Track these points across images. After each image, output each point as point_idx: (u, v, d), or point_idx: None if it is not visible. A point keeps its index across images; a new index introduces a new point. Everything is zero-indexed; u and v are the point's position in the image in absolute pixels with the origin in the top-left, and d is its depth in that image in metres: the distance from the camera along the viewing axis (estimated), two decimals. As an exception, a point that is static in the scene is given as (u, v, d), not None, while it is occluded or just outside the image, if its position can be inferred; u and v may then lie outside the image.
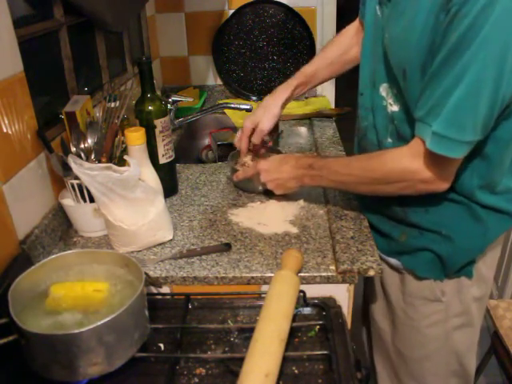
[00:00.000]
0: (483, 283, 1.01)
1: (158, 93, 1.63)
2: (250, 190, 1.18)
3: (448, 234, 0.93)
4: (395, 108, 0.90)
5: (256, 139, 1.14)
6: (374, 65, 0.94)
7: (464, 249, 0.94)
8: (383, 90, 0.92)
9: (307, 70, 1.18)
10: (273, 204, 1.13)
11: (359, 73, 1.01)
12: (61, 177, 0.99)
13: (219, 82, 2.04)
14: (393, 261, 1.04)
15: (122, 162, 1.02)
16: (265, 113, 1.13)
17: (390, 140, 0.93)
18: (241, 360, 0.68)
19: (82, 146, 1.03)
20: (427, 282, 0.99)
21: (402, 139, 0.90)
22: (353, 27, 1.16)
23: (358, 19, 1.15)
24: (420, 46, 0.78)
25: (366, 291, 1.20)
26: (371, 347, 1.20)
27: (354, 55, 1.13)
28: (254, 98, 1.98)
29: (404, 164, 0.84)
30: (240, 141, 1.16)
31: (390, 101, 0.91)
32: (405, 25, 0.80)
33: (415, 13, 0.77)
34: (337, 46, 1.17)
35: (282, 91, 1.15)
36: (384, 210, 1.01)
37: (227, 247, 0.96)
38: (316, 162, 0.97)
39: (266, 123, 1.13)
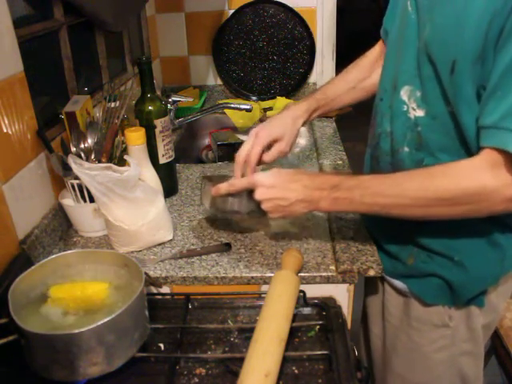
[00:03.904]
0: (492, 312, 0.95)
1: (158, 93, 1.63)
2: (230, 211, 0.93)
3: (461, 260, 0.86)
4: (420, 113, 0.83)
5: (270, 158, 1.02)
6: (397, 67, 0.87)
7: (477, 278, 0.87)
8: (404, 93, 0.85)
9: (329, 91, 1.09)
10: (273, 204, 1.12)
11: (380, 77, 0.95)
12: (61, 177, 0.99)
13: (219, 81, 2.04)
14: (398, 283, 0.97)
15: (122, 162, 1.02)
16: (285, 134, 1.02)
17: (406, 149, 0.86)
18: (241, 360, 0.68)
19: (82, 145, 1.03)
20: (435, 308, 0.93)
21: (423, 148, 0.83)
22: (374, 51, 1.10)
23: (379, 43, 1.09)
24: (477, 33, 0.69)
25: (366, 306, 1.15)
26: (369, 353, 1.17)
27: (375, 81, 1.02)
28: (254, 97, 1.98)
29: (483, 181, 0.70)
30: (252, 151, 0.98)
31: (413, 105, 0.83)
32: (457, 10, 0.72)
33: None
34: (359, 71, 1.09)
35: (302, 114, 1.05)
36: (392, 230, 0.93)
37: (227, 247, 0.96)
38: (345, 182, 0.80)
39: (287, 146, 1.02)
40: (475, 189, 0.71)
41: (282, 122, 1.03)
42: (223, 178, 0.97)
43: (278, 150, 1.01)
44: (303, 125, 1.07)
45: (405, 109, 0.85)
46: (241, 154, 0.99)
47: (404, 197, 0.77)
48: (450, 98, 0.77)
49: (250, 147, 0.98)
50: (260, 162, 1.01)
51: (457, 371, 0.99)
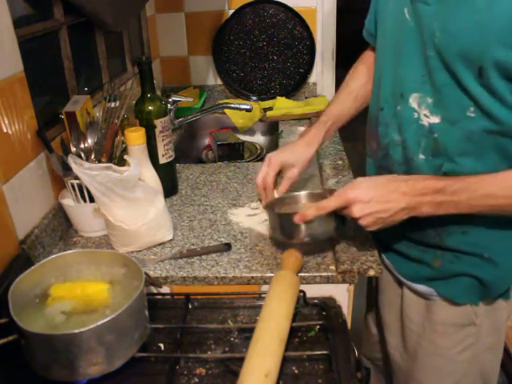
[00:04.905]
0: None
1: (158, 93, 1.63)
2: (316, 235, 0.87)
3: (490, 256, 0.85)
4: (435, 119, 0.81)
5: (284, 187, 1.02)
6: (399, 75, 0.86)
7: (509, 271, 0.88)
8: (413, 100, 0.83)
9: (334, 110, 1.09)
10: (273, 204, 1.12)
11: (376, 87, 0.94)
12: (61, 177, 0.99)
13: (219, 81, 2.04)
14: (421, 288, 0.96)
15: (122, 162, 1.02)
16: (297, 161, 1.03)
17: (422, 156, 0.84)
18: (241, 360, 0.68)
19: (82, 146, 1.03)
20: (462, 308, 0.92)
21: (441, 155, 0.82)
22: (368, 55, 1.09)
23: (369, 51, 1.09)
24: (506, 39, 0.69)
25: (381, 317, 1.12)
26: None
27: None
28: (254, 98, 1.98)
29: None
30: (266, 176, 1.01)
31: (425, 112, 0.82)
32: (475, 18, 0.71)
33: (491, 1, 0.69)
34: (357, 78, 1.08)
35: (315, 140, 1.05)
36: (413, 234, 0.91)
37: (227, 247, 0.96)
38: (449, 186, 0.77)
39: (296, 173, 1.03)
40: None
41: (295, 150, 1.05)
42: (283, 201, 0.99)
43: (289, 177, 1.03)
44: (316, 151, 1.08)
45: (415, 116, 0.84)
46: (258, 181, 1.03)
47: None
48: (480, 100, 0.76)
49: (264, 173, 1.02)
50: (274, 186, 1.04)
51: (478, 369, 0.98)
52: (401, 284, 1.01)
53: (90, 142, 1.04)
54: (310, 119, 1.73)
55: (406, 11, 0.83)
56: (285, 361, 0.70)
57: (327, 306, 0.82)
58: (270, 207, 0.96)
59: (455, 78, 0.77)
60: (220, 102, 1.78)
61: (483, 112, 0.76)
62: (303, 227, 0.85)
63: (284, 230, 0.89)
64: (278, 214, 0.91)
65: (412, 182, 0.79)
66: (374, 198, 0.79)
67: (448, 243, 0.88)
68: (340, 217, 0.85)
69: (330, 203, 0.82)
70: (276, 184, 1.04)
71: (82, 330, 0.63)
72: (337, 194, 0.83)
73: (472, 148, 0.80)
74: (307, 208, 0.84)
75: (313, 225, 0.85)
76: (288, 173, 1.03)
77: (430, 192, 0.78)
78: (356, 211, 0.79)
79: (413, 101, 0.84)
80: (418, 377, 1.02)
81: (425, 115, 0.82)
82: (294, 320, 0.76)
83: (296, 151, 1.05)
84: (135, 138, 1.00)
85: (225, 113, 1.80)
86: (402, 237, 0.95)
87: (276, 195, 1.03)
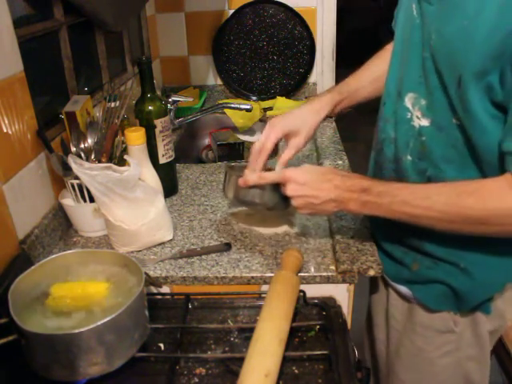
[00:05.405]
0: (499, 318, 0.92)
1: (158, 93, 1.63)
2: (255, 203, 0.93)
3: (466, 267, 0.84)
4: (425, 122, 0.81)
5: (287, 156, 0.97)
6: (402, 71, 0.85)
7: (483, 284, 0.86)
8: (409, 100, 0.83)
9: (352, 82, 1.06)
10: (273, 204, 1.12)
11: (386, 79, 0.92)
12: (61, 177, 0.99)
13: (219, 81, 2.04)
14: (402, 289, 0.96)
15: (122, 162, 1.02)
16: (303, 128, 0.98)
17: (409, 158, 0.85)
18: (241, 360, 0.68)
19: (82, 145, 1.03)
20: (440, 314, 0.92)
21: (426, 158, 0.82)
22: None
23: None
24: (485, 50, 0.67)
25: (371, 313, 1.14)
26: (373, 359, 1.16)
27: None
28: (254, 97, 1.98)
29: (510, 203, 0.70)
30: (267, 140, 0.95)
31: (418, 113, 0.82)
32: (464, 23, 0.70)
33: (480, 8, 0.67)
34: (381, 60, 1.03)
35: (324, 106, 1.01)
36: (397, 235, 0.92)
37: (227, 247, 0.96)
38: (375, 187, 0.79)
39: (303, 141, 0.98)
40: (502, 212, 0.71)
41: (301, 115, 1.00)
42: (243, 170, 0.98)
43: (294, 146, 0.98)
44: (325, 118, 1.03)
45: (408, 116, 0.83)
46: (256, 145, 0.97)
47: (432, 210, 0.75)
48: (457, 110, 0.75)
49: (265, 137, 0.96)
50: (276, 153, 0.98)
51: (462, 376, 0.97)
52: (387, 283, 1.02)
53: (89, 141, 1.04)
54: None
55: (413, 7, 0.82)
56: (285, 361, 0.70)
57: (327, 306, 0.82)
58: (230, 168, 1.01)
59: (443, 83, 0.76)
60: (220, 101, 1.78)
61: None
62: (249, 192, 0.91)
63: (235, 191, 0.95)
64: (236, 175, 0.95)
65: (345, 177, 0.83)
66: (308, 183, 0.83)
67: (428, 248, 0.88)
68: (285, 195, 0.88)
69: (270, 175, 0.89)
70: (277, 151, 0.97)
71: (82, 329, 0.63)
72: (280, 171, 0.88)
73: (456, 156, 0.79)
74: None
75: (257, 192, 0.91)
76: (293, 141, 0.98)
77: (356, 190, 0.80)
78: (290, 190, 0.84)
79: (408, 100, 0.83)
80: (401, 375, 1.03)
81: (417, 117, 0.82)
82: (294, 320, 0.76)
83: (302, 117, 1.00)
84: (135, 137, 1.00)
85: (225, 113, 1.80)
86: (389, 235, 0.95)
87: (277, 167, 0.97)
